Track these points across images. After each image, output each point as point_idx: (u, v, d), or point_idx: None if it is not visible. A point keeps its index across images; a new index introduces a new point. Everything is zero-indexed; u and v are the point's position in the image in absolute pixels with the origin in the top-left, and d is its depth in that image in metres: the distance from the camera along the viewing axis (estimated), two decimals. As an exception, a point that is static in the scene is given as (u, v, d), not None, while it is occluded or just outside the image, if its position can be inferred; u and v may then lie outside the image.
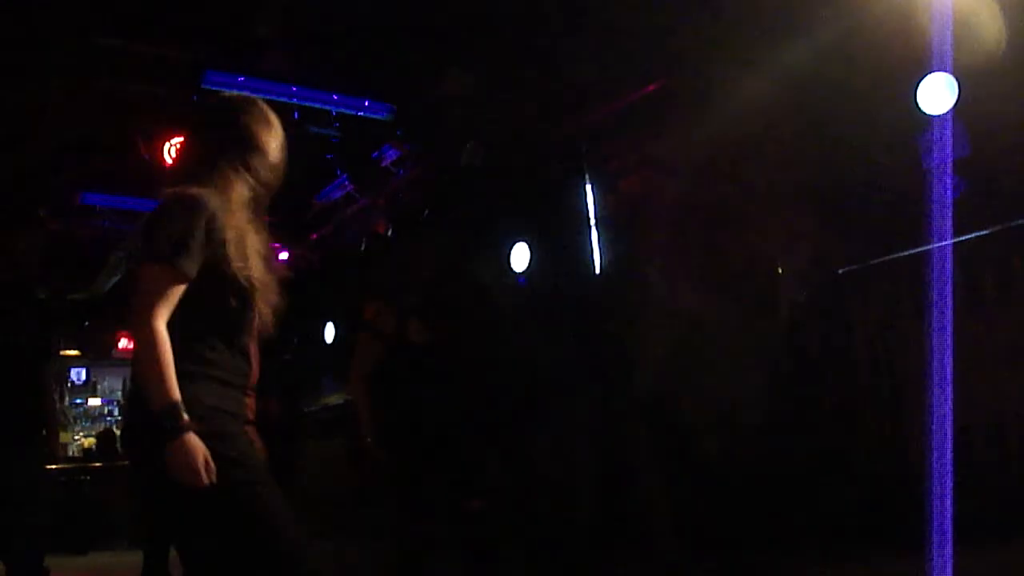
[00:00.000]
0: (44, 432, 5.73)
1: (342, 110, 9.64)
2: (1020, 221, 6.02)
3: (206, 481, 2.61)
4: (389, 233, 11.43)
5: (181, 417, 2.60)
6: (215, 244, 2.81)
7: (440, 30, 8.24)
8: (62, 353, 15.65)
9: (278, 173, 3.12)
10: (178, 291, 2.75)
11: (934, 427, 6.46)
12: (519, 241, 9.62)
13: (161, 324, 2.69)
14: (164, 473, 2.62)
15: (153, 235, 2.79)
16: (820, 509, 6.53)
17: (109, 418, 16.82)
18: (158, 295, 2.72)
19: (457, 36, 8.32)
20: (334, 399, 13.24)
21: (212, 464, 2.64)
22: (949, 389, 6.40)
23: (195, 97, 8.73)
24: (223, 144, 3.03)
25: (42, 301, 6.06)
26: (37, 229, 5.73)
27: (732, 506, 5.92)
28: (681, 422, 5.87)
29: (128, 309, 2.73)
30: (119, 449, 12.57)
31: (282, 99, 9.16)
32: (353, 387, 5.37)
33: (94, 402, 17.20)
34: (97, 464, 13.64)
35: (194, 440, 2.61)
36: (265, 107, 3.13)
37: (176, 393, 2.62)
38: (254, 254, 2.90)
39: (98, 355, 16.59)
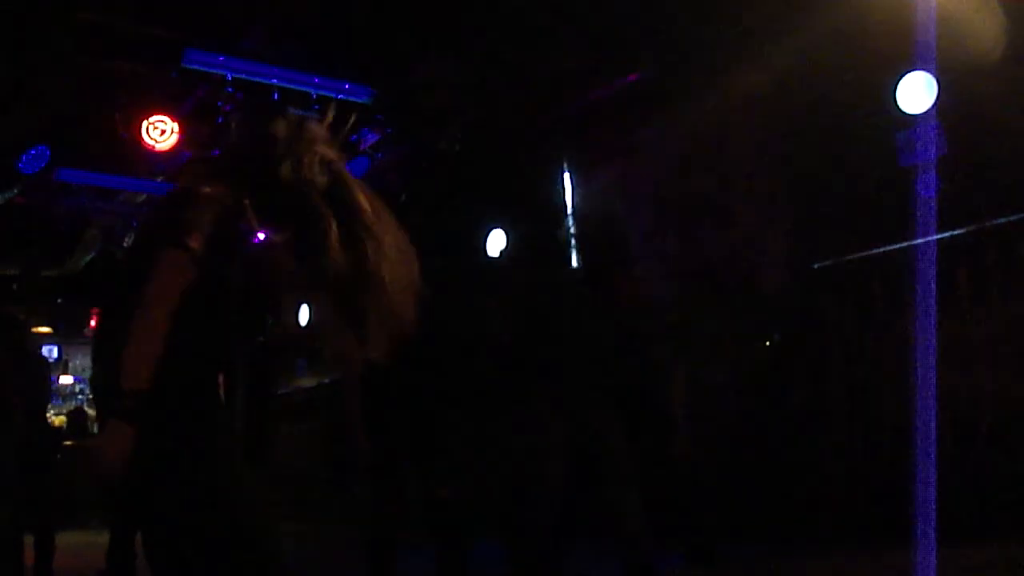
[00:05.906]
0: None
1: (322, 92, 9.58)
2: (996, 220, 6.08)
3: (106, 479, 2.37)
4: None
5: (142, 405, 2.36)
6: None
7: (422, 15, 8.22)
8: (33, 330, 15.47)
9: None
10: None
11: (908, 422, 6.54)
12: (496, 227, 9.65)
13: None
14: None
15: None
16: (792, 502, 6.60)
17: (80, 396, 16.62)
18: None
19: (438, 21, 8.30)
20: (307, 381, 13.21)
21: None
22: (923, 384, 6.47)
23: (174, 75, 8.68)
24: None
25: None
26: None
27: (702, 496, 5.96)
28: (657, 411, 5.90)
29: None
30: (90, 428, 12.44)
31: (262, 80, 9.11)
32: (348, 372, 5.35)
33: (65, 380, 17.01)
34: (68, 443, 13.48)
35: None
36: None
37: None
38: None
39: (70, 332, 16.43)
